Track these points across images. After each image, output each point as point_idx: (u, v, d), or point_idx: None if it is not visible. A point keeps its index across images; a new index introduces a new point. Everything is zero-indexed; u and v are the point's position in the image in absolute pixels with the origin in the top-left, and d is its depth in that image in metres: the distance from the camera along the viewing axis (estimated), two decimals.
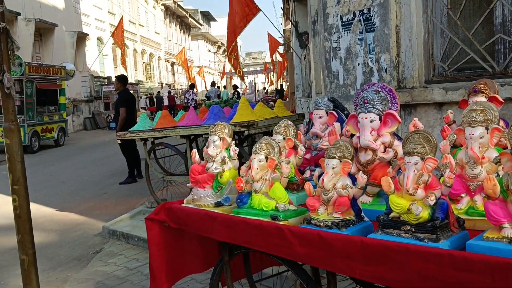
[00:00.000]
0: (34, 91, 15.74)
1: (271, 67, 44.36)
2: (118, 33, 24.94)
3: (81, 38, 24.31)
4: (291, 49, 19.45)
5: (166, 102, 30.17)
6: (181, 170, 6.75)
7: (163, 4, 44.19)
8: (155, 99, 30.28)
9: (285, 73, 36.34)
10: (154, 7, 42.42)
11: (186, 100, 27.29)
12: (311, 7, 5.85)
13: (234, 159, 2.58)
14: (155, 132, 5.79)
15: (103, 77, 28.36)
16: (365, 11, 3.96)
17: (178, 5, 47.34)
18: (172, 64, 47.39)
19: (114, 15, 32.67)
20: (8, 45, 2.66)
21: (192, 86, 27.79)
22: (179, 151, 5.97)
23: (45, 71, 16.40)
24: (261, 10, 15.09)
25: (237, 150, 2.60)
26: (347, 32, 4.11)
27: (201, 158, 2.72)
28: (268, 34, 32.32)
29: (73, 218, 6.99)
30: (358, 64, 4.05)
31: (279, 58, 35.86)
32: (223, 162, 2.54)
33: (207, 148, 2.60)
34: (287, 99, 21.17)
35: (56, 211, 7.50)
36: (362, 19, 3.98)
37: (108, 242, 5.75)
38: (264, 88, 41.47)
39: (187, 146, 5.75)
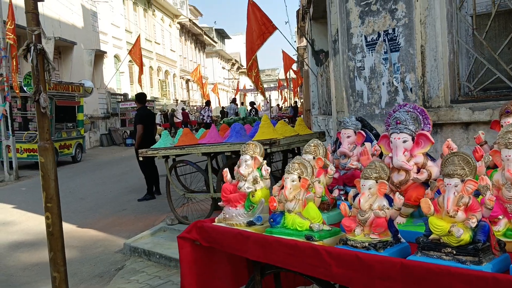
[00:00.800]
0: (53, 108, 16.00)
1: (285, 84, 44.68)
2: (135, 51, 25.34)
3: (99, 56, 24.72)
4: (305, 66, 19.56)
5: (180, 118, 30.45)
6: (199, 187, 6.78)
7: (178, 22, 44.82)
8: (169, 116, 30.61)
9: (298, 90, 36.46)
10: (170, 25, 43.02)
11: (201, 117, 27.40)
12: (332, 26, 5.90)
13: (266, 179, 2.60)
14: (176, 150, 5.84)
15: (120, 94, 28.72)
16: (390, 31, 3.99)
17: (194, 23, 47.96)
18: (187, 81, 47.87)
19: (131, 33, 33.19)
20: (45, 65, 2.72)
21: (208, 103, 27.96)
22: (200, 169, 6.01)
23: (64, 88, 16.67)
24: (277, 28, 15.23)
25: (269, 170, 2.62)
26: (372, 52, 4.14)
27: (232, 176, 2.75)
28: (283, 51, 32.47)
29: (94, 235, 7.04)
30: (383, 84, 4.08)
31: (293, 75, 36.05)
32: (255, 181, 2.56)
33: (239, 167, 2.63)
34: (302, 116, 21.23)
35: (76, 227, 7.56)
36: (386, 39, 4.01)
37: (130, 259, 5.77)
38: (278, 105, 41.59)
39: (208, 163, 5.79)
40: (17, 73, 14.18)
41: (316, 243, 2.13)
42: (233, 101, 26.93)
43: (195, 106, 45.09)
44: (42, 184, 2.79)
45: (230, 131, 5.59)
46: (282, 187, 2.37)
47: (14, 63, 14.12)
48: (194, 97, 50.03)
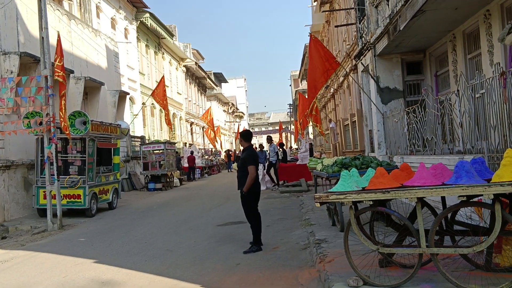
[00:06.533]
0: (95, 150, 14.86)
1: (288, 126, 44.20)
2: (159, 92, 24.51)
3: (122, 97, 23.74)
4: (357, 105, 18.82)
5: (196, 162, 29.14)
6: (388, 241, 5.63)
7: (184, 65, 44.42)
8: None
9: (304, 132, 35.84)
10: (176, 68, 42.54)
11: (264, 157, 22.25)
12: None
13: None
14: (376, 194, 4.79)
15: (137, 137, 27.58)
16: None
17: (199, 66, 47.63)
18: (191, 123, 47.00)
19: (143, 75, 32.46)
20: None
21: (270, 139, 23.37)
22: (403, 217, 4.95)
23: (104, 130, 15.56)
24: (340, 64, 14.50)
25: None
26: None
27: None
28: (299, 93, 32.32)
29: None
30: None
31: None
32: None
33: None
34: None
35: (201, 287, 6.33)
36: None
37: None
38: (291, 147, 40.80)
39: (418, 210, 4.75)
40: (65, 112, 13.07)
41: None
42: (269, 140, 22.87)
43: (202, 149, 44.08)
44: None
45: (456, 170, 4.58)
46: None
47: (63, 102, 13.03)
48: (197, 140, 49.03)
